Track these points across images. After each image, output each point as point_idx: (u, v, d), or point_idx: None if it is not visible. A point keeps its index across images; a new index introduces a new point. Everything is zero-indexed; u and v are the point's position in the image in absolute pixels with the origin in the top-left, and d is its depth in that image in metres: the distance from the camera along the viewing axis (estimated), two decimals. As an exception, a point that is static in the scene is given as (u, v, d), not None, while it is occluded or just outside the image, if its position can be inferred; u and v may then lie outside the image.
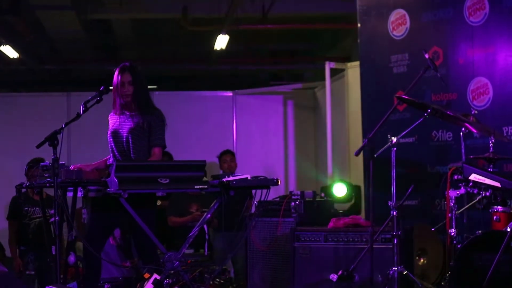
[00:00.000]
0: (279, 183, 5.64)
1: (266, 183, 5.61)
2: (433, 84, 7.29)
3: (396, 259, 5.54)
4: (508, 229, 5.14)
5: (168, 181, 5.26)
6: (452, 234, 5.73)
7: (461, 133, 6.14)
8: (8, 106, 10.85)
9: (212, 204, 5.73)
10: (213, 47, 12.39)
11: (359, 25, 8.25)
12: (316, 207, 6.77)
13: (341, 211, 7.54)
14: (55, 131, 5.23)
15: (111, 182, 5.13)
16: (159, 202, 7.70)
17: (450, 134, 7.30)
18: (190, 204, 8.44)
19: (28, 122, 10.52)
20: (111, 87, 5.78)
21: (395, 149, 5.58)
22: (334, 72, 9.77)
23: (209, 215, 5.81)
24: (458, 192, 5.72)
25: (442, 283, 5.78)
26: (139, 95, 5.75)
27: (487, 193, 5.62)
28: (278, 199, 6.86)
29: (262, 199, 5.62)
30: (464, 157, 6.14)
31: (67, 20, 11.51)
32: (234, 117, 11.06)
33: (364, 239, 6.10)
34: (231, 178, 5.48)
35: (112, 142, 5.79)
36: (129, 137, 5.68)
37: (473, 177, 5.54)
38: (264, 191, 5.61)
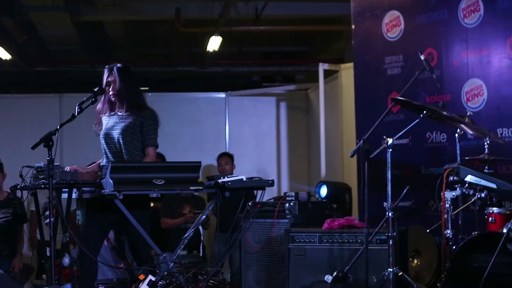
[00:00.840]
0: (274, 184, 5.64)
1: (262, 184, 5.60)
2: (427, 86, 7.29)
3: (391, 260, 5.54)
4: (504, 230, 5.14)
5: (163, 182, 5.24)
6: (448, 235, 5.73)
7: (456, 135, 6.15)
8: (0, 108, 10.80)
9: (207, 205, 5.72)
10: (206, 48, 12.39)
11: (353, 26, 8.23)
12: (311, 209, 6.77)
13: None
14: (50, 132, 5.20)
15: (106, 183, 5.11)
16: (151, 204, 7.68)
17: (444, 135, 7.29)
18: (183, 206, 8.45)
19: (21, 123, 10.47)
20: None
21: (390, 150, 5.58)
22: (327, 73, 9.75)
23: (204, 217, 5.80)
24: (453, 194, 5.73)
25: (438, 285, 5.76)
26: (128, 95, 5.71)
27: (483, 195, 5.64)
28: (272, 200, 6.85)
29: (257, 200, 5.61)
30: (459, 158, 6.15)
31: (60, 21, 11.50)
32: (227, 119, 11.04)
33: (359, 240, 6.09)
34: (226, 179, 5.47)
35: (104, 143, 5.77)
36: (121, 138, 5.65)
37: (469, 178, 5.56)
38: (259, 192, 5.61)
